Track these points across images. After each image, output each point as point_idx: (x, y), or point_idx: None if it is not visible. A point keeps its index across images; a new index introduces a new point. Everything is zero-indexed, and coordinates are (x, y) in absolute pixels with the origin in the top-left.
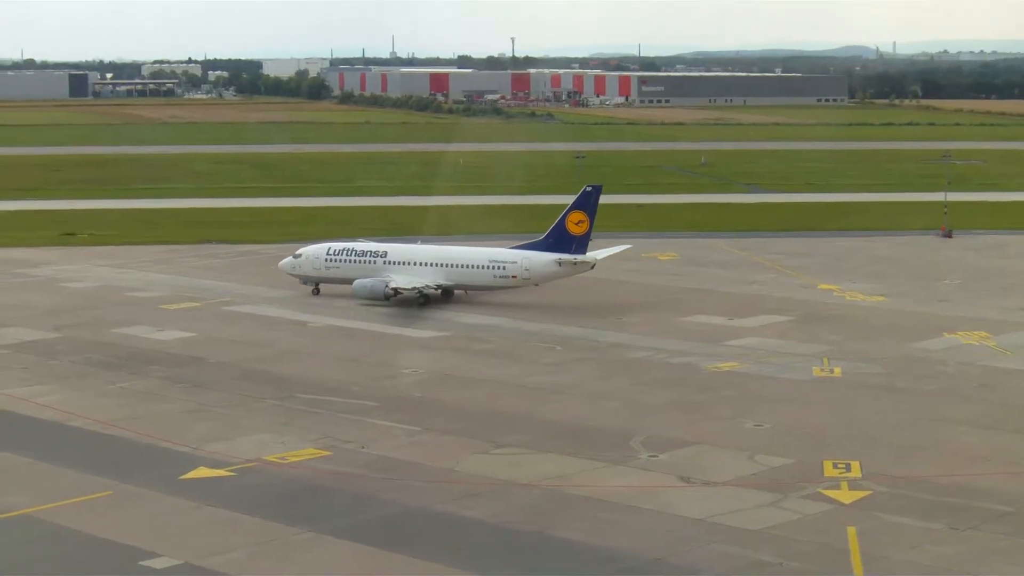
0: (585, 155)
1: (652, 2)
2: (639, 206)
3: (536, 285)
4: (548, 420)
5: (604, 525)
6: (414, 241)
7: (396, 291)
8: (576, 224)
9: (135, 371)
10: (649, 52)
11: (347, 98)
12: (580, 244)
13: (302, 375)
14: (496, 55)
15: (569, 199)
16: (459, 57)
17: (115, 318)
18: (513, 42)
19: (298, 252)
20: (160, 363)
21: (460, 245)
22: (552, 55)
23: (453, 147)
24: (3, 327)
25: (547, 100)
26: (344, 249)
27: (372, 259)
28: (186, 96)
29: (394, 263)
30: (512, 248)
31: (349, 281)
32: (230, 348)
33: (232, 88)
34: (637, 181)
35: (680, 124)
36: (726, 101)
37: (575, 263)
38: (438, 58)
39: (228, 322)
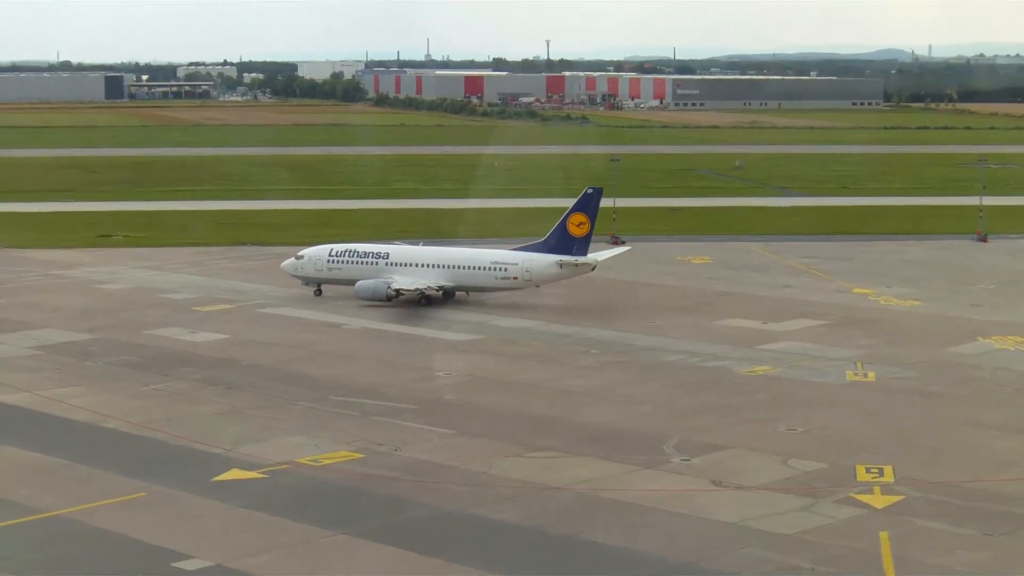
0: (619, 158)
1: (687, 5)
2: (673, 209)
3: (537, 287)
4: (582, 423)
5: (637, 529)
6: (416, 243)
7: (398, 292)
8: (577, 226)
9: (169, 373)
10: (684, 55)
11: (382, 100)
12: (581, 246)
13: (336, 377)
14: (531, 58)
15: (605, 201)
16: (494, 60)
17: (149, 320)
18: (548, 45)
19: (300, 253)
20: (193, 365)
21: (461, 247)
22: (587, 58)
23: (487, 150)
24: (38, 328)
25: (582, 103)
26: (346, 250)
27: (374, 260)
28: (221, 98)
29: (396, 264)
30: (513, 250)
31: (351, 282)
32: (264, 350)
33: (267, 90)
34: (671, 184)
35: (715, 127)
36: (761, 104)
37: (576, 264)
38: (473, 61)
39: (262, 324)
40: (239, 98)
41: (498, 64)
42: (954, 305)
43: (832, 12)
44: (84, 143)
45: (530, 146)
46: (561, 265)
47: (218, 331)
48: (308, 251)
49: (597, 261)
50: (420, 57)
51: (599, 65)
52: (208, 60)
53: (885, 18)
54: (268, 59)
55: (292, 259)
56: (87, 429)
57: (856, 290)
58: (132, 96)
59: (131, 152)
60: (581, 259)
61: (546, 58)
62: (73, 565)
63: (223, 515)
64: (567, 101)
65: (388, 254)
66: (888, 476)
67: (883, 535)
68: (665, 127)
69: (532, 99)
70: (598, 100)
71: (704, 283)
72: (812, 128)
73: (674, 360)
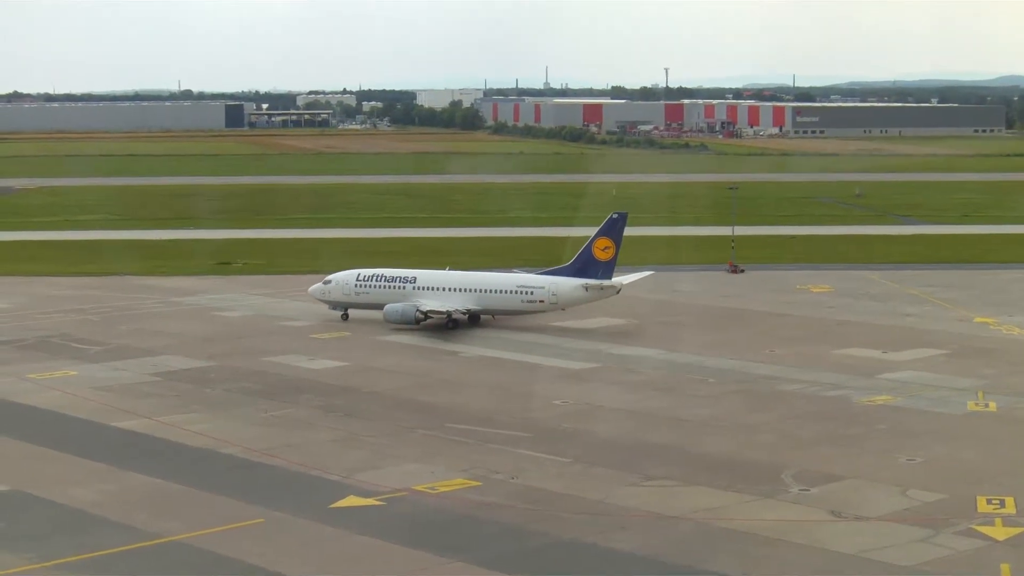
0: (738, 186)
1: (807, 32)
2: (793, 237)
3: (563, 310)
4: (699, 453)
5: (754, 559)
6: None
7: (426, 315)
8: (603, 250)
9: (287, 400)
10: (803, 83)
11: (500, 128)
12: (606, 269)
13: (452, 405)
14: (650, 86)
15: (724, 230)
16: (612, 88)
17: (268, 347)
18: (667, 73)
19: (328, 279)
20: (312, 392)
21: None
22: (706, 85)
23: (606, 178)
24: (158, 355)
25: (701, 131)
26: (374, 275)
27: (402, 284)
28: (340, 127)
29: (423, 288)
30: (539, 274)
31: (379, 306)
32: (381, 377)
33: (386, 119)
34: (791, 212)
35: (835, 155)
36: (881, 132)
37: (601, 288)
38: (591, 89)
39: (380, 351)
40: (358, 126)
41: (616, 92)
42: None
43: (953, 39)
44: (204, 171)
45: (648, 174)
46: (587, 288)
47: (336, 358)
48: (336, 276)
49: (622, 284)
50: (539, 85)
51: (718, 93)
52: (327, 89)
53: (1007, 44)
54: (387, 87)
55: (320, 284)
56: (206, 455)
57: (977, 319)
58: (252, 124)
59: (251, 180)
60: (606, 282)
61: (665, 86)
62: None
63: (340, 542)
64: (686, 129)
65: (415, 278)
66: (1010, 507)
67: (1004, 567)
68: (784, 155)
69: (651, 127)
70: (717, 128)
71: (824, 312)
72: (933, 156)
73: (793, 389)
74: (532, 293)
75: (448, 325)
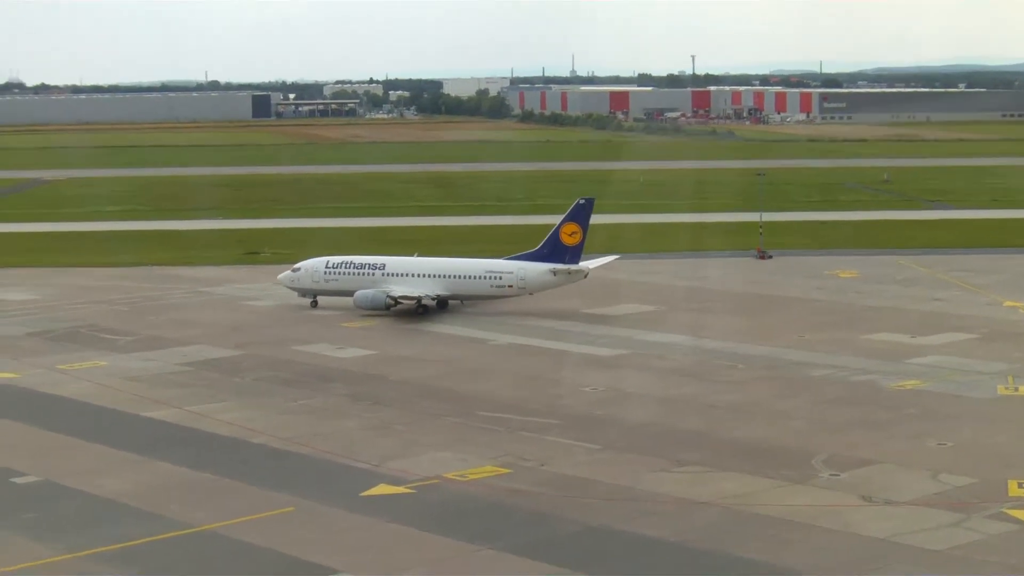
0: (765, 172)
1: (834, 18)
2: (821, 223)
3: (531, 294)
4: (729, 438)
5: (785, 544)
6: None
7: (396, 300)
8: (570, 235)
9: (316, 388)
10: (830, 68)
11: (527, 117)
12: (574, 254)
13: (482, 392)
14: (676, 73)
15: (752, 216)
16: (639, 75)
17: (296, 336)
18: (693, 60)
19: (297, 266)
20: (341, 380)
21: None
22: (732, 72)
23: (633, 165)
24: (187, 345)
25: (727, 117)
26: (343, 262)
27: (371, 271)
28: (367, 116)
29: (392, 275)
30: (507, 259)
31: (348, 293)
32: (410, 365)
33: (413, 108)
34: (819, 198)
35: (862, 140)
36: (909, 117)
37: (569, 272)
38: (618, 76)
39: (408, 340)
40: (385, 116)
41: (643, 80)
42: None
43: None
44: (232, 161)
45: (676, 161)
46: (555, 273)
47: (365, 347)
48: (305, 264)
49: (589, 269)
50: (565, 73)
51: (745, 79)
52: (354, 78)
53: None
54: (413, 76)
55: (288, 272)
56: (236, 444)
57: (1007, 303)
58: (279, 115)
59: (278, 170)
60: (574, 267)
61: (691, 73)
62: None
63: (372, 530)
64: (713, 116)
65: (384, 265)
66: None
67: None
68: (812, 141)
69: (678, 114)
70: (744, 114)
71: (852, 297)
72: (961, 140)
73: (822, 375)
74: (501, 278)
75: (418, 311)
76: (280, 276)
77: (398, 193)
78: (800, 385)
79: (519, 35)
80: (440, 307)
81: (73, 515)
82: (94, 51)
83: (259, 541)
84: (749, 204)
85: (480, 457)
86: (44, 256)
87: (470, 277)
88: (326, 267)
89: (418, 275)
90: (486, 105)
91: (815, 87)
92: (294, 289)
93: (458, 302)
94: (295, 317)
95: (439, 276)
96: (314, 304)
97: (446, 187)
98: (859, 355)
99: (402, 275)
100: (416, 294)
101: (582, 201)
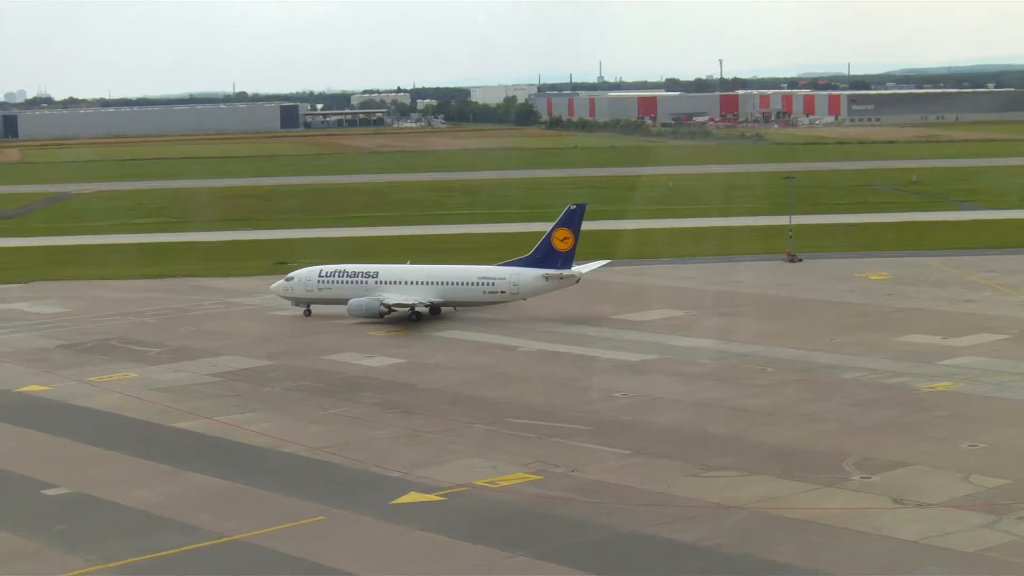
0: (795, 175)
1: (861, 20)
2: (851, 225)
3: (524, 300)
4: (759, 442)
5: (816, 548)
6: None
7: (390, 308)
8: (562, 241)
9: (346, 397)
10: (858, 70)
11: (555, 123)
12: (566, 259)
13: (511, 399)
14: (704, 77)
15: (781, 219)
16: (667, 80)
17: (325, 345)
18: (721, 64)
19: (290, 275)
20: (370, 389)
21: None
22: (760, 76)
23: (661, 170)
24: (217, 355)
25: (756, 121)
26: (336, 271)
27: (364, 279)
28: (395, 125)
29: (386, 282)
30: (500, 265)
31: (342, 301)
32: (439, 373)
33: (441, 116)
34: (848, 200)
35: (891, 142)
36: (938, 118)
37: (561, 277)
38: (646, 82)
39: (436, 347)
40: (413, 124)
41: (671, 84)
42: None
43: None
44: (260, 172)
45: (704, 165)
46: (547, 278)
47: (393, 355)
48: (298, 272)
49: (581, 274)
50: (592, 79)
51: (772, 83)
52: (381, 87)
53: None
54: (441, 85)
55: (282, 281)
56: (266, 454)
57: None
58: (307, 125)
59: (307, 180)
60: (566, 272)
61: (719, 77)
62: None
63: (403, 538)
64: (741, 119)
65: (377, 273)
66: None
67: None
68: (840, 143)
69: (706, 118)
70: (772, 118)
71: (883, 299)
72: (991, 140)
73: (853, 377)
74: (493, 284)
75: (412, 318)
76: (273, 286)
77: (426, 201)
78: (831, 388)
79: (546, 42)
80: (433, 313)
81: (105, 526)
82: (122, 64)
83: (290, 550)
84: (778, 207)
85: (510, 464)
86: (74, 269)
87: (463, 284)
88: (319, 276)
89: (411, 282)
90: (514, 112)
91: (843, 89)
92: (288, 298)
93: (451, 308)
94: (324, 326)
95: (432, 283)
96: (307, 313)
97: (473, 195)
98: (890, 357)
99: (395, 283)
100: (410, 301)
101: (573, 207)
